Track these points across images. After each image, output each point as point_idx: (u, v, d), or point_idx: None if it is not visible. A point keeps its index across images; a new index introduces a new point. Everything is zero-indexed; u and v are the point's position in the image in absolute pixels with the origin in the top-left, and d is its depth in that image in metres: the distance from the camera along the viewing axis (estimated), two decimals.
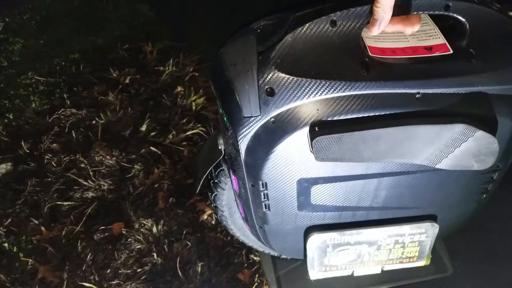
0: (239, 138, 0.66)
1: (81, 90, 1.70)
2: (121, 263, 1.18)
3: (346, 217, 0.81)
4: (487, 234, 1.16)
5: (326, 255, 0.86)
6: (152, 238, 1.22)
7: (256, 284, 1.12)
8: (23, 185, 1.39)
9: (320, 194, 0.74)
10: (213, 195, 0.93)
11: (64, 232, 1.26)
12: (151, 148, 1.44)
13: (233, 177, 0.82)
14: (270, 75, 0.62)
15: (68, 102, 1.65)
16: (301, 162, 0.68)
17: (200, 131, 1.48)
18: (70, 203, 1.33)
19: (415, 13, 0.64)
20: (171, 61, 1.73)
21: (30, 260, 1.21)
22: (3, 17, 2.19)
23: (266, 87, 0.62)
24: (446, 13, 0.65)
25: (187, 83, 1.65)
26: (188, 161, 1.41)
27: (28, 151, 1.50)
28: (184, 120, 1.52)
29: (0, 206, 1.35)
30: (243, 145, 0.67)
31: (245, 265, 1.17)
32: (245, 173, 0.71)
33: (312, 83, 0.62)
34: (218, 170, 0.88)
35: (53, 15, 2.20)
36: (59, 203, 1.33)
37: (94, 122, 1.56)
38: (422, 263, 0.92)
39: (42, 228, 1.27)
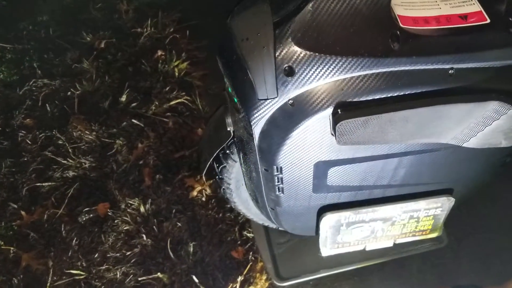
0: (253, 122, 0.58)
1: (53, 57, 1.51)
2: (109, 246, 1.08)
3: (362, 196, 0.75)
4: (479, 202, 1.10)
5: (340, 233, 0.80)
6: (140, 218, 1.12)
7: (251, 262, 1.05)
8: None
9: (337, 176, 0.68)
10: (221, 167, 0.83)
11: (46, 215, 1.14)
12: (133, 120, 1.29)
13: (243, 159, 0.74)
14: (289, 51, 0.53)
15: (39, 71, 1.47)
16: (320, 145, 0.60)
17: (185, 100, 1.33)
18: (50, 183, 1.20)
19: None
20: (149, 22, 1.54)
21: (12, 248, 1.10)
22: None
23: (285, 65, 0.53)
24: None
25: (168, 46, 1.47)
26: (173, 133, 1.28)
27: None
28: (167, 88, 1.36)
29: None
30: (257, 130, 0.59)
31: (239, 242, 1.08)
32: (258, 158, 0.64)
33: (337, 61, 0.53)
34: (230, 141, 0.78)
35: None
36: (38, 184, 1.20)
37: (69, 93, 1.39)
38: (434, 234, 0.87)
39: (22, 213, 1.15)
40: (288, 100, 0.55)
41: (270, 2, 0.56)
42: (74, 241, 1.10)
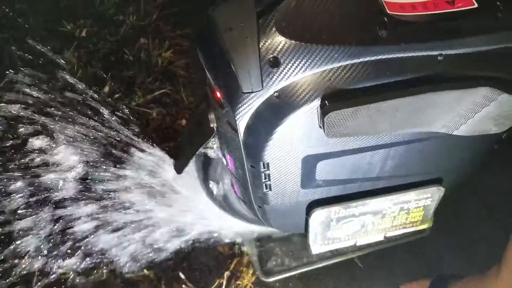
0: (237, 117, 0.55)
1: (33, 47, 1.45)
2: None
3: (351, 189, 0.73)
4: (462, 190, 1.08)
5: (330, 229, 0.78)
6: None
7: (237, 257, 1.03)
8: None
9: (326, 170, 0.66)
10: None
11: None
12: (116, 113, 1.25)
13: (228, 156, 0.70)
14: (274, 41, 0.51)
15: (19, 62, 1.41)
16: (308, 138, 0.58)
17: (168, 91, 1.29)
18: None
19: None
20: (131, 9, 1.47)
21: None
22: None
23: (269, 56, 0.51)
24: None
25: (151, 35, 1.41)
26: (157, 124, 1.24)
27: None
28: (150, 79, 1.31)
29: None
30: (242, 124, 0.56)
31: None
32: (244, 154, 0.61)
33: (324, 50, 0.50)
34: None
35: None
36: None
37: (50, 84, 1.34)
38: (425, 226, 0.85)
39: None
40: (274, 93, 0.53)
41: None
42: None
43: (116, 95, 1.29)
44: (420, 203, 0.78)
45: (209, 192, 0.87)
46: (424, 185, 0.75)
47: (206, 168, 0.84)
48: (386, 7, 0.53)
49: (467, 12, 0.54)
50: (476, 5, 0.55)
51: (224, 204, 0.88)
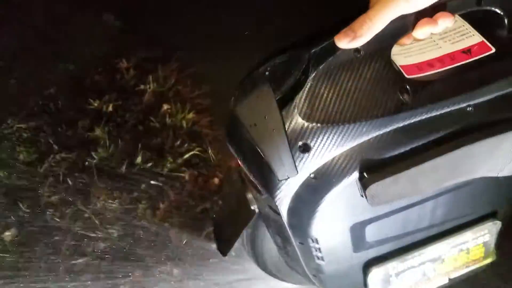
0: (278, 202, 0.54)
1: (66, 129, 1.50)
2: None
3: (404, 241, 0.69)
4: None
5: (390, 284, 0.73)
6: (175, 283, 1.09)
7: None
8: (32, 249, 1.25)
9: (375, 231, 0.63)
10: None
11: None
12: (151, 182, 1.27)
13: (274, 234, 0.69)
14: (300, 128, 0.50)
15: (56, 146, 1.45)
16: (352, 208, 0.56)
17: (197, 152, 1.30)
18: (84, 259, 1.19)
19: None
20: (150, 78, 1.51)
21: None
22: None
23: (299, 143, 0.50)
24: (478, 8, 0.52)
25: (172, 99, 1.44)
26: (191, 186, 1.25)
27: (28, 211, 1.33)
28: (178, 142, 1.33)
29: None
30: (283, 208, 0.55)
31: None
32: (290, 234, 0.60)
33: (351, 127, 0.50)
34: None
35: (18, 47, 1.93)
36: (73, 262, 1.19)
37: (87, 163, 1.38)
38: (489, 260, 0.80)
39: None
40: (310, 175, 0.51)
41: (269, 79, 0.52)
42: None
43: (149, 164, 1.31)
44: (478, 240, 0.73)
45: (261, 264, 0.85)
46: (479, 222, 0.70)
47: (253, 241, 0.83)
48: (403, 72, 0.51)
49: (486, 58, 0.52)
50: (493, 50, 0.52)
51: (278, 273, 0.86)
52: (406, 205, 0.59)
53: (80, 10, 2.03)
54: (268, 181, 0.53)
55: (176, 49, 1.58)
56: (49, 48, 1.86)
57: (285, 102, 0.50)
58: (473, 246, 0.74)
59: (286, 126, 0.50)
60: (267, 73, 0.52)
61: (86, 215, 1.25)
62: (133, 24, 1.90)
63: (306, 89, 0.49)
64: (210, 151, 1.29)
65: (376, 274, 0.69)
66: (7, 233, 1.28)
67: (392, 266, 0.69)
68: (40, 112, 1.60)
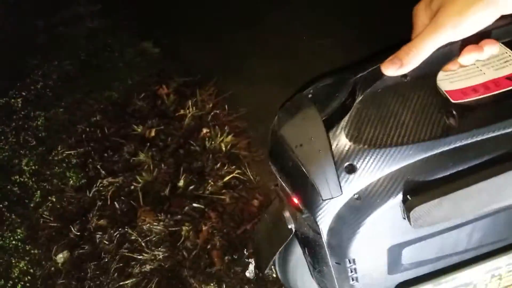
0: (319, 221, 0.55)
1: (112, 155, 1.57)
2: None
3: (439, 265, 0.68)
4: None
5: None
6: None
7: None
8: (83, 271, 1.30)
9: (412, 254, 0.62)
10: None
11: None
12: (194, 204, 1.30)
13: (308, 254, 0.69)
14: (347, 150, 0.51)
15: (103, 171, 1.53)
16: (393, 231, 0.56)
17: (236, 175, 1.32)
18: (131, 280, 1.23)
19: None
20: (189, 102, 1.57)
21: None
22: (19, 91, 2.06)
23: (345, 164, 0.51)
24: None
25: (211, 122, 1.49)
26: (231, 208, 1.27)
27: (78, 233, 1.39)
28: (218, 165, 1.36)
29: None
30: (324, 227, 0.55)
31: None
32: (328, 253, 0.60)
33: (397, 150, 0.50)
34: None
35: (65, 76, 2.07)
36: (121, 283, 1.24)
37: (132, 187, 1.43)
38: None
39: None
40: (354, 195, 0.52)
41: (313, 101, 0.54)
42: None
43: (191, 187, 1.35)
44: (511, 266, 0.71)
45: (292, 285, 0.85)
46: None
47: (285, 262, 0.83)
48: (449, 97, 0.52)
49: None
50: None
51: None
52: (445, 228, 0.59)
53: (119, 39, 2.16)
54: (311, 201, 0.54)
55: (213, 73, 1.63)
56: (94, 77, 1.98)
57: (330, 123, 0.51)
58: (506, 272, 0.72)
59: (333, 147, 0.51)
60: (310, 95, 0.54)
61: (133, 237, 1.30)
62: (170, 50, 1.99)
63: (353, 112, 0.50)
64: (248, 172, 1.31)
65: None
66: (59, 256, 1.35)
67: None
68: (88, 139, 1.69)
